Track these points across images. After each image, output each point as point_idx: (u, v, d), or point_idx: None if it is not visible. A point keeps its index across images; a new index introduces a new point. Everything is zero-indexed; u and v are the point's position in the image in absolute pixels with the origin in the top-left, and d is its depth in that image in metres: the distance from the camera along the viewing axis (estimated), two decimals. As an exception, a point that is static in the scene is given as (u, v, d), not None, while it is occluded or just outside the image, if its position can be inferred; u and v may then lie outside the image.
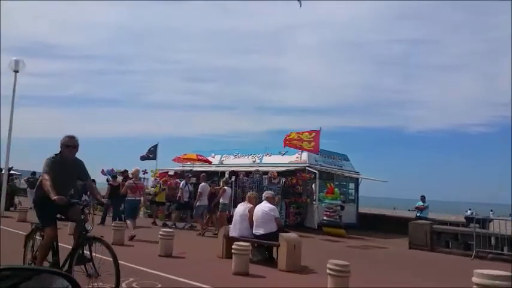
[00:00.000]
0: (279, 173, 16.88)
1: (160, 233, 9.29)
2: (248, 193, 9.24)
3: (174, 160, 19.62)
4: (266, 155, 19.78)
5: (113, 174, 18.19)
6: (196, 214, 14.39)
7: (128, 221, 12.07)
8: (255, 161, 20.00)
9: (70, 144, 5.54)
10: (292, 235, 8.46)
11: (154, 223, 16.47)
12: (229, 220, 11.28)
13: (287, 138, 16.04)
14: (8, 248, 6.91)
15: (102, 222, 15.13)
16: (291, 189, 16.69)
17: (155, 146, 23.58)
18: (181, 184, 16.21)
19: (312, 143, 15.68)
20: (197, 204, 14.33)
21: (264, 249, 8.75)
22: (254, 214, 8.40)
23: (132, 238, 11.45)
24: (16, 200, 20.56)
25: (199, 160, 18.43)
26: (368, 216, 21.05)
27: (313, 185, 16.56)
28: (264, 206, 8.43)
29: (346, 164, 20.39)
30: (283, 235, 8.11)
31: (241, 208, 8.83)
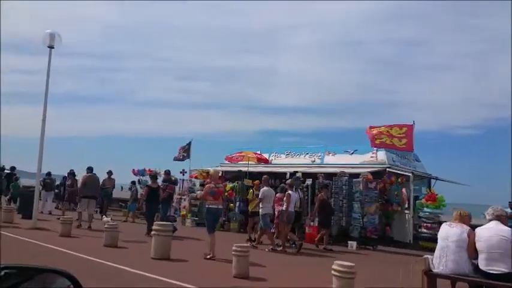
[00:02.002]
0: (351, 175, 14.14)
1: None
2: (458, 211, 6.09)
3: (227, 159, 16.85)
4: (328, 154, 17.05)
5: (151, 174, 15.37)
6: (266, 224, 11.65)
7: (209, 235, 9.50)
8: (314, 161, 17.26)
9: None
10: None
11: (251, 241, 12.41)
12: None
13: (373, 132, 13.24)
14: None
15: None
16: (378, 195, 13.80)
17: (189, 144, 20.73)
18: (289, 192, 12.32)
19: (404, 140, 12.93)
20: (262, 212, 11.64)
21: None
22: (483, 241, 5.41)
23: (210, 258, 9.00)
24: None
25: (258, 160, 15.67)
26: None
27: (403, 190, 13.75)
28: (499, 230, 5.50)
29: (418, 165, 17.65)
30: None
31: (456, 231, 5.69)
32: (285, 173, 15.27)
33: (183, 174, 19.25)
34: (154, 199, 13.30)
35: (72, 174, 18.20)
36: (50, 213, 17.72)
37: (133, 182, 17.85)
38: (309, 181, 13.96)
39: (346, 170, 14.49)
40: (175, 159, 20.25)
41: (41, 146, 12.21)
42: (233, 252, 7.47)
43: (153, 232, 9.16)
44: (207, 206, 9.90)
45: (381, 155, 15.43)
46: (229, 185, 16.84)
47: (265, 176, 12.66)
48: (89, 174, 15.14)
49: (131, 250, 9.94)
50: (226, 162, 17.50)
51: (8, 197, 18.63)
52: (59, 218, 12.29)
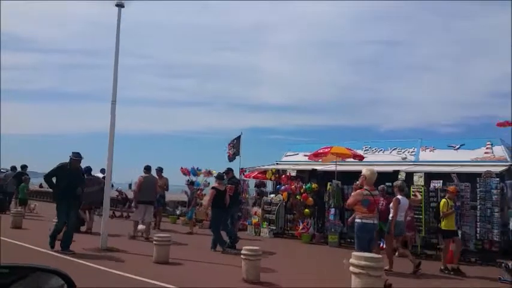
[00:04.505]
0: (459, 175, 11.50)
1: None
2: None
3: (310, 157, 14.01)
4: (424, 149, 14.42)
5: (219, 174, 12.27)
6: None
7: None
8: (405, 158, 14.61)
9: None
10: None
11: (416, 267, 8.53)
12: None
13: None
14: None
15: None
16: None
17: (238, 138, 17.75)
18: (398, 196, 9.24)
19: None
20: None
21: None
22: None
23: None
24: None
25: (354, 156, 12.89)
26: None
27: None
28: None
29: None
30: None
31: None
32: (388, 173, 12.50)
33: (242, 174, 16.36)
34: (223, 204, 10.49)
35: (88, 170, 13.10)
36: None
37: (192, 183, 14.79)
38: (438, 184, 11.18)
39: (457, 169, 11.84)
40: (230, 159, 17.22)
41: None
42: None
43: (242, 256, 6.80)
44: (360, 220, 7.12)
45: (498, 151, 12.90)
46: (304, 187, 14.17)
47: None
48: (146, 175, 12.28)
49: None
50: (307, 159, 14.63)
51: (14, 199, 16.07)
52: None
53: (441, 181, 11.13)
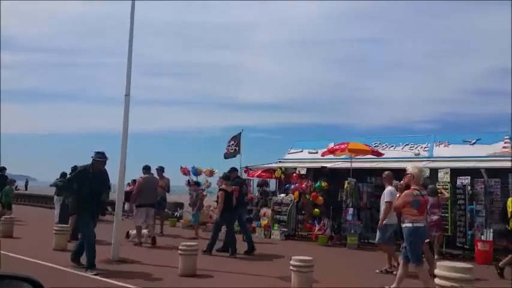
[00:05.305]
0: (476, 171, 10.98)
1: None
2: None
3: (324, 153, 13.27)
4: (438, 145, 13.88)
5: (225, 175, 11.33)
6: (383, 239, 8.28)
7: (417, 268, 6.08)
8: (418, 154, 14.05)
9: None
10: None
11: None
12: None
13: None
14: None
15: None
16: None
17: (239, 135, 16.87)
18: None
19: None
20: (387, 222, 8.20)
21: None
22: None
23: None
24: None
25: (372, 153, 12.23)
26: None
27: None
28: None
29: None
30: None
31: None
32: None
33: (246, 173, 15.51)
34: (230, 207, 9.71)
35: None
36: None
37: (197, 183, 13.76)
38: (465, 181, 10.58)
39: (485, 165, 11.32)
40: (226, 156, 16.38)
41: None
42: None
43: (292, 267, 5.94)
44: (411, 224, 6.36)
45: (518, 145, 12.47)
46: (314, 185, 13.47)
47: (388, 172, 9.19)
48: (146, 176, 11.32)
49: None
50: (312, 157, 13.94)
51: None
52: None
53: (469, 177, 10.55)
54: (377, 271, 8.00)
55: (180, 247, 7.08)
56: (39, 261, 7.53)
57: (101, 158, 7.42)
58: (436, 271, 4.64)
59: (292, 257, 6.01)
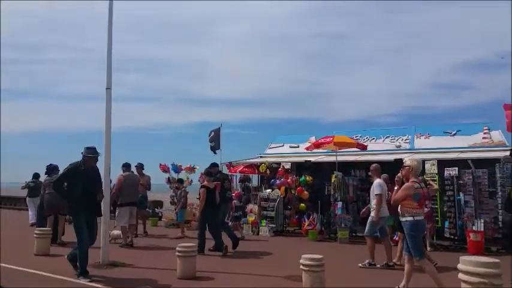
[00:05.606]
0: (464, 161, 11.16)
1: None
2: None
3: (309, 147, 13.11)
4: (419, 137, 14.00)
5: (207, 170, 10.88)
6: (371, 232, 8.27)
7: (419, 261, 5.98)
8: (399, 146, 14.14)
9: None
10: None
11: None
12: None
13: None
14: None
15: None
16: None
17: (218, 130, 16.50)
18: None
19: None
20: (381, 215, 8.20)
21: None
22: None
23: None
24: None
25: (357, 146, 12.16)
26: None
27: None
28: None
29: None
30: None
31: None
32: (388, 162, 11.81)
33: (229, 169, 15.18)
34: (213, 204, 9.45)
35: (54, 169, 11.01)
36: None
37: (180, 181, 13.32)
38: (452, 171, 10.65)
39: (473, 155, 11.45)
40: (214, 149, 15.98)
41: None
42: None
43: (303, 266, 5.73)
44: (412, 218, 6.24)
45: (496, 135, 12.69)
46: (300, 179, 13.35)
47: (376, 165, 9.14)
48: (127, 173, 10.88)
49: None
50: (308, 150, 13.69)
51: None
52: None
53: (456, 168, 10.64)
54: (360, 265, 7.90)
55: (177, 248, 6.73)
56: (25, 269, 7.01)
57: (92, 153, 6.82)
58: (460, 266, 4.52)
59: (302, 256, 5.78)
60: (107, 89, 7.88)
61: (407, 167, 6.41)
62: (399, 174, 7.99)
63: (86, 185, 6.62)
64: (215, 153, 15.71)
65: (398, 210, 6.71)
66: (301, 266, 5.70)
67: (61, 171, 6.80)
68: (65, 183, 6.75)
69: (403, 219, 6.17)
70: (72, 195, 6.63)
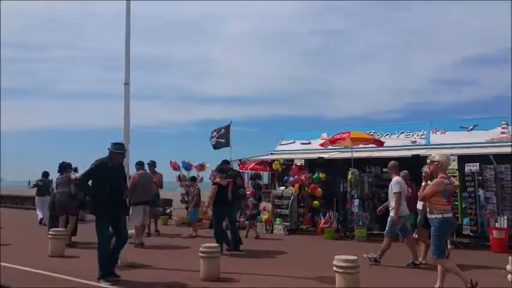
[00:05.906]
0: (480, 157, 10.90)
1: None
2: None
3: (325, 143, 12.85)
4: (435, 132, 13.74)
5: (219, 167, 10.57)
6: (391, 232, 8.06)
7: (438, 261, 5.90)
8: (415, 142, 13.87)
9: None
10: None
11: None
12: None
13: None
14: None
15: None
16: None
17: (228, 127, 16.27)
18: None
19: None
20: (400, 214, 7.95)
21: None
22: None
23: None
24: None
25: (374, 141, 11.93)
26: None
27: None
28: None
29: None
30: None
31: None
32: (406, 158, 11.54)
33: (240, 166, 14.97)
34: (225, 201, 9.23)
35: (67, 167, 10.63)
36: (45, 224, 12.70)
37: (193, 178, 13.10)
38: (473, 167, 10.40)
39: (494, 151, 11.17)
40: (216, 147, 15.80)
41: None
42: None
43: (336, 268, 5.52)
44: (441, 215, 5.98)
45: (516, 130, 12.45)
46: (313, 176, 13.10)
47: (394, 162, 8.90)
48: (141, 171, 10.70)
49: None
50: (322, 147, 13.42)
51: None
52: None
53: (478, 164, 10.39)
54: (365, 255, 7.90)
55: (201, 249, 6.49)
56: (41, 271, 6.79)
57: (120, 149, 6.48)
58: (509, 267, 4.29)
59: (335, 257, 5.54)
60: (125, 84, 7.65)
61: (436, 162, 6.16)
62: (426, 169, 7.79)
63: (113, 182, 6.32)
64: (217, 148, 15.53)
65: (424, 206, 6.52)
66: (334, 268, 5.45)
67: (87, 168, 6.46)
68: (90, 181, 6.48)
69: (431, 216, 5.92)
70: (100, 193, 6.29)
